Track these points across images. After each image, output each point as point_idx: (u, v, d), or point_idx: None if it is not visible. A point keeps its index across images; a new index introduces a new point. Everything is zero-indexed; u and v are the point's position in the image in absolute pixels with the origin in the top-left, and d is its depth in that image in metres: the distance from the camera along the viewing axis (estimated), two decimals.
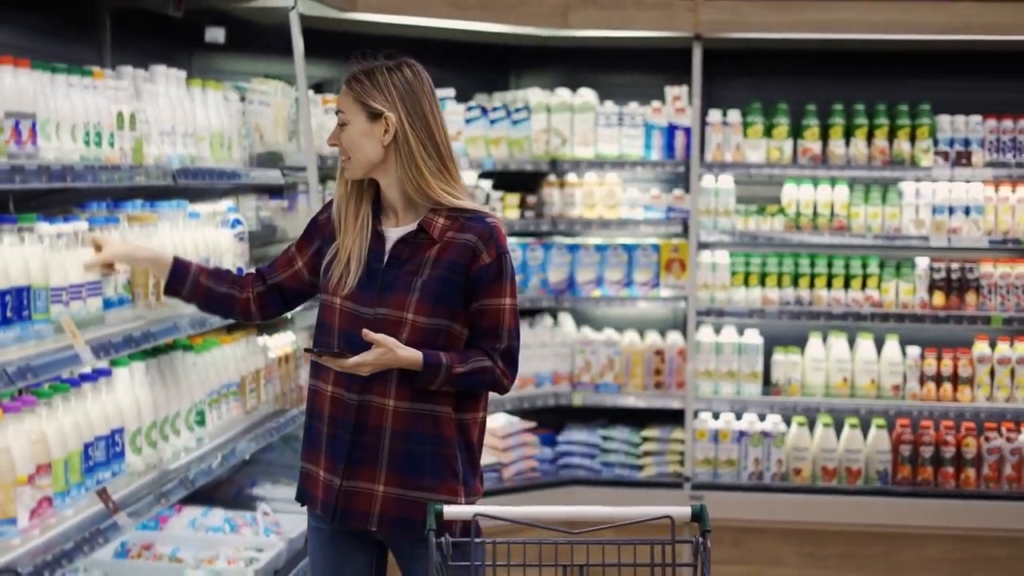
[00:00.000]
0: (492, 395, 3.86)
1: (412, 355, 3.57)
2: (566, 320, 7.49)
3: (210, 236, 4.72)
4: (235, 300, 3.90)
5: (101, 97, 3.92)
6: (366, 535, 3.78)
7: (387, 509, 3.66)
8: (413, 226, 3.71)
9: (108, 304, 3.92)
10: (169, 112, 4.45)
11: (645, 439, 7.19)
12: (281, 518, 5.32)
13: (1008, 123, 7.05)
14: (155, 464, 4.15)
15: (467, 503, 3.73)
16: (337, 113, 3.75)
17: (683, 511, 3.31)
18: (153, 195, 4.62)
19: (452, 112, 6.73)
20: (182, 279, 3.87)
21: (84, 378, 3.77)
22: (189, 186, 4.54)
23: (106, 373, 3.89)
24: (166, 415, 4.26)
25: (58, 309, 3.58)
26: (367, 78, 3.72)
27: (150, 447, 4.14)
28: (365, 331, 3.55)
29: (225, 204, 5.20)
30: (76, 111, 3.73)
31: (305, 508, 3.89)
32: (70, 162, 3.62)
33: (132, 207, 4.30)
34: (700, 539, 3.26)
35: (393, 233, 3.72)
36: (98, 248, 3.83)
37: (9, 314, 3.29)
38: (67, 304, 3.64)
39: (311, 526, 3.87)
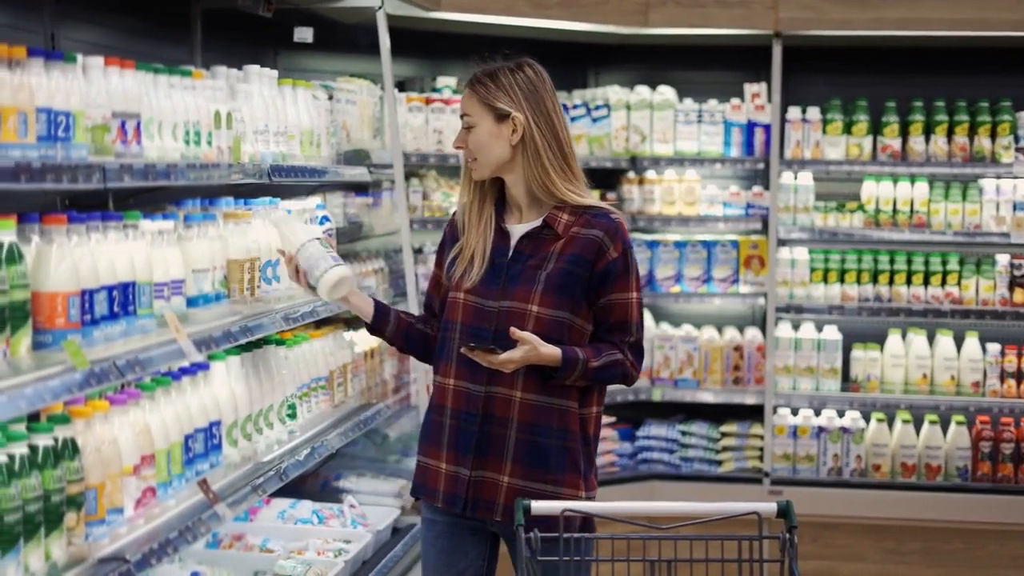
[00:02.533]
0: None
1: (552, 351, 3.66)
2: (646, 316, 7.53)
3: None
4: (428, 336, 4.01)
5: (200, 97, 4.00)
6: (482, 528, 3.85)
7: (511, 500, 3.72)
8: (537, 222, 3.81)
9: (206, 299, 4.01)
10: (262, 111, 4.53)
11: (724, 434, 7.22)
12: (367, 510, 5.40)
13: None
14: (250, 456, 4.23)
15: (586, 498, 3.81)
16: (462, 116, 3.86)
17: (769, 507, 3.35)
18: (244, 193, 4.72)
19: None
20: (385, 317, 3.98)
21: (183, 371, 3.85)
22: (280, 184, 4.63)
23: (204, 367, 3.98)
24: (260, 408, 4.35)
25: (160, 304, 3.67)
26: (491, 80, 3.81)
27: (245, 439, 4.23)
28: (513, 329, 3.64)
29: (313, 201, 5.27)
30: (177, 111, 3.81)
31: (405, 503, 3.99)
32: (172, 160, 3.71)
33: (225, 204, 4.39)
34: (786, 535, 3.30)
35: (517, 229, 3.82)
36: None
37: (116, 309, 3.38)
38: (168, 299, 3.73)
39: (427, 519, 3.94)
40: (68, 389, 2.97)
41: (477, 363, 3.73)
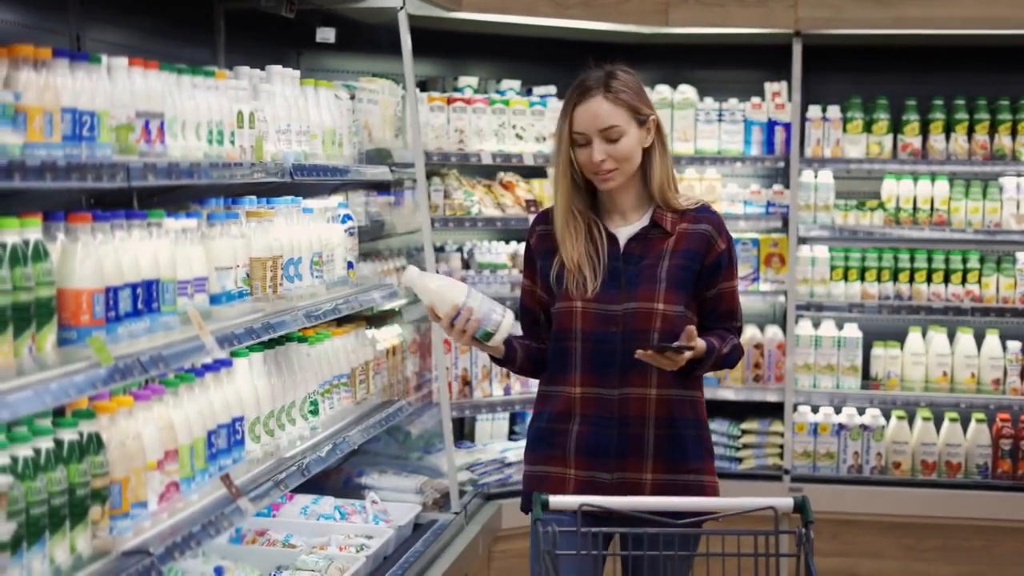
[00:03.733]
0: None
1: (701, 343, 3.71)
2: None
3: (323, 231, 4.85)
4: (543, 352, 3.97)
5: (223, 97, 4.05)
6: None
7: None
8: (643, 222, 3.85)
9: (229, 297, 4.05)
10: (285, 111, 4.58)
11: (744, 431, 7.24)
12: (389, 506, 5.44)
13: None
14: (272, 452, 4.28)
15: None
16: (608, 129, 3.76)
17: (786, 502, 3.39)
18: (266, 191, 4.76)
19: (554, 109, 6.80)
20: (513, 348, 3.92)
21: (207, 368, 3.90)
22: (302, 182, 4.68)
23: (227, 363, 4.02)
24: (282, 404, 4.40)
25: (183, 301, 3.72)
26: (625, 86, 3.82)
27: (268, 435, 4.27)
28: (689, 327, 3.65)
29: (335, 200, 5.32)
30: (200, 110, 3.86)
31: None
32: (195, 159, 3.76)
33: (248, 203, 4.44)
34: (803, 530, 3.33)
35: (623, 232, 3.85)
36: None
37: (140, 306, 3.43)
38: (191, 296, 3.77)
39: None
40: (93, 385, 3.02)
41: (608, 367, 3.77)
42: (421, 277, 3.79)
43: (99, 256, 3.25)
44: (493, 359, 3.99)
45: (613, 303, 3.77)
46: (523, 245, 6.73)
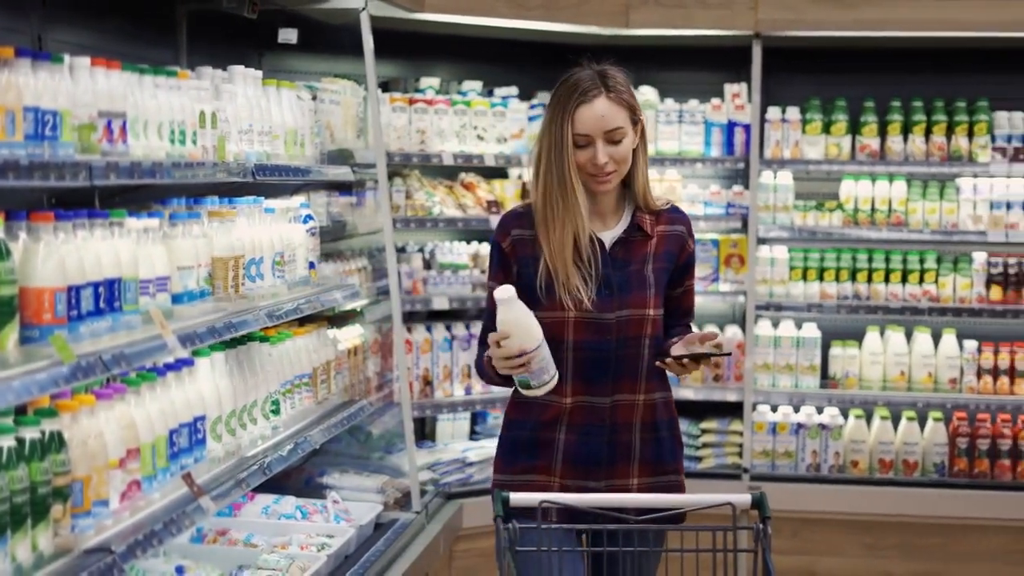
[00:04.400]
0: None
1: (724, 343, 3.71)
2: None
3: (284, 231, 4.87)
4: None
5: (185, 97, 4.06)
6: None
7: None
8: (623, 225, 3.80)
9: (191, 296, 4.06)
10: (247, 111, 4.59)
11: (704, 431, 7.29)
12: (350, 506, 5.46)
13: None
14: (234, 451, 4.29)
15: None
16: (612, 131, 3.68)
17: (743, 499, 3.42)
18: (227, 191, 4.78)
19: (515, 110, 6.85)
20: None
21: (168, 367, 3.91)
22: (264, 182, 4.69)
23: (189, 363, 4.03)
24: (244, 404, 4.41)
25: (145, 300, 3.73)
26: (623, 85, 3.75)
27: (229, 434, 4.28)
28: (717, 337, 3.63)
29: (297, 200, 5.34)
30: (162, 110, 3.87)
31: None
32: (157, 159, 3.77)
33: (210, 203, 4.46)
34: (760, 526, 3.37)
35: (607, 236, 3.78)
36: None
37: (102, 305, 3.44)
38: (153, 296, 3.78)
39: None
40: (55, 383, 3.03)
41: (601, 375, 3.73)
42: (511, 303, 3.63)
43: (61, 255, 3.26)
44: (481, 374, 3.90)
45: (606, 311, 3.72)
46: (485, 246, 6.80)
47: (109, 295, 3.48)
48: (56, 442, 3.17)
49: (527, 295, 3.69)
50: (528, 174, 7.07)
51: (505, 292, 3.62)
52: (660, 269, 3.79)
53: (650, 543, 3.59)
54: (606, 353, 3.72)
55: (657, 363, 3.74)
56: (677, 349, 3.72)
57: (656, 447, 3.82)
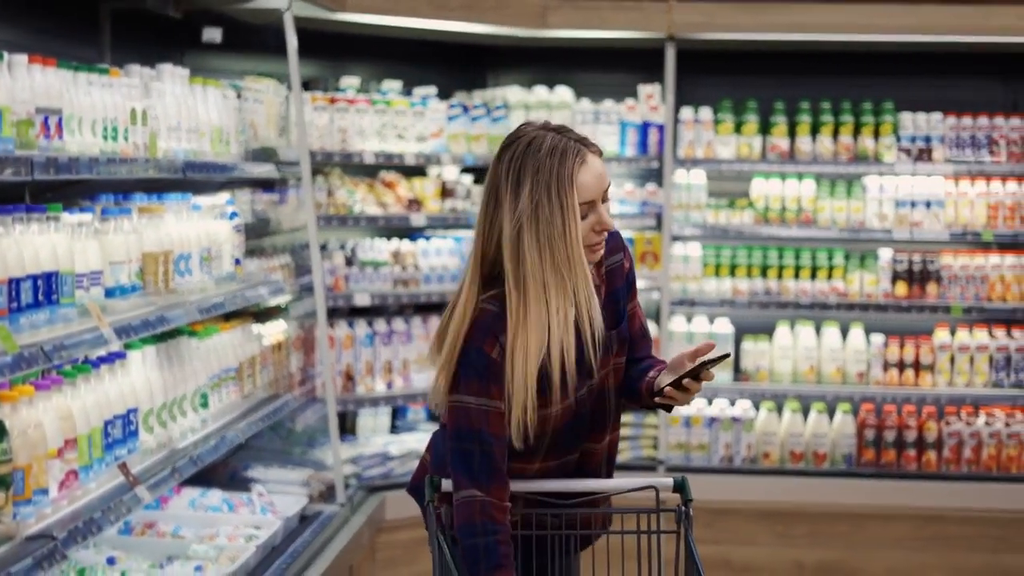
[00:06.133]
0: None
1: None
2: None
3: (211, 228, 4.94)
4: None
5: (117, 94, 4.13)
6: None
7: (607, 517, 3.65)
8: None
9: (123, 291, 4.13)
10: (175, 109, 4.66)
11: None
12: (275, 499, 5.54)
13: (967, 120, 7.32)
14: (165, 443, 4.37)
15: None
16: (606, 191, 3.36)
17: (666, 482, 3.55)
18: (154, 188, 4.84)
19: (435, 110, 6.94)
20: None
21: (102, 360, 3.98)
22: (190, 179, 4.76)
23: (121, 356, 4.11)
24: (174, 397, 4.48)
25: (80, 294, 3.80)
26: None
27: (161, 427, 4.36)
28: (708, 343, 3.34)
29: (222, 197, 5.41)
30: (96, 107, 3.94)
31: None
32: (92, 155, 3.84)
33: (138, 199, 4.52)
34: (683, 508, 3.51)
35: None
36: None
37: (40, 297, 3.51)
38: (87, 289, 3.85)
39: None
40: (0, 372, 3.09)
41: (574, 442, 3.49)
42: None
43: (2, 249, 3.32)
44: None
45: (582, 388, 3.42)
46: (406, 242, 6.89)
47: (47, 288, 3.55)
48: None
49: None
50: (448, 173, 7.22)
51: None
52: (615, 312, 3.47)
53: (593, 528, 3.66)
54: (580, 424, 3.47)
55: (656, 400, 3.45)
56: (666, 377, 3.40)
57: (609, 462, 3.66)
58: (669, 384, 3.35)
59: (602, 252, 3.39)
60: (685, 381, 3.34)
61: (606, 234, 3.36)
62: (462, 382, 3.31)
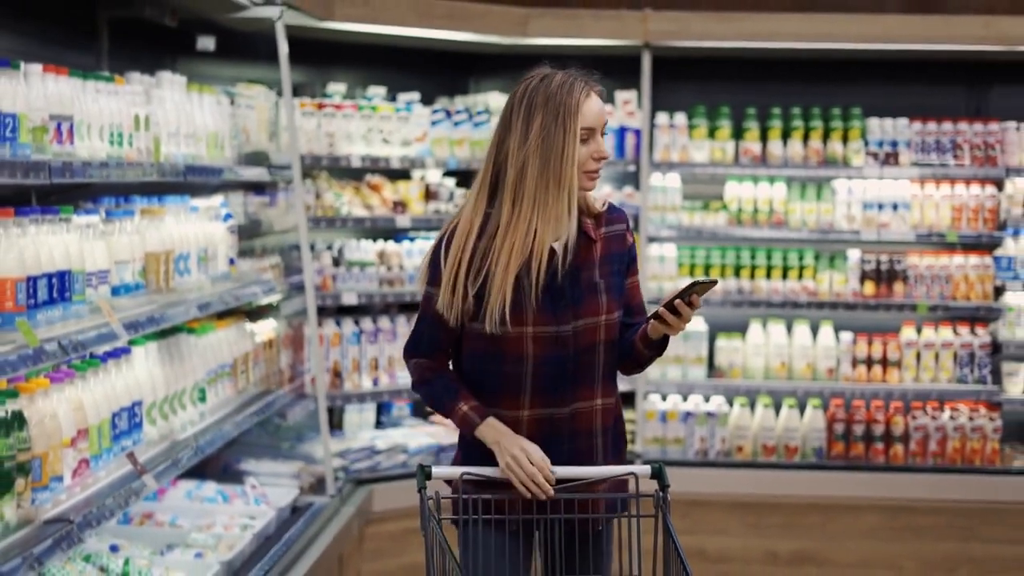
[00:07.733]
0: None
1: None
2: None
3: (207, 228, 5.14)
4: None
5: (121, 101, 4.32)
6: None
7: (610, 503, 3.81)
8: (572, 232, 3.64)
9: (127, 289, 4.33)
10: (174, 114, 4.85)
11: None
12: (268, 491, 5.72)
13: (932, 125, 7.51)
14: (167, 435, 4.56)
15: None
16: (604, 125, 3.67)
17: (644, 469, 3.74)
18: (152, 190, 5.03)
19: (418, 115, 7.11)
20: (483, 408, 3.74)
21: (108, 355, 4.18)
22: (188, 183, 4.95)
23: (127, 351, 4.31)
24: (175, 391, 4.68)
25: (90, 292, 4.00)
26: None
27: (163, 419, 4.56)
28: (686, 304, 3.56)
29: (217, 199, 5.60)
30: (103, 114, 4.14)
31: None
32: (101, 159, 4.04)
33: (138, 201, 4.72)
34: (660, 493, 3.71)
35: (557, 244, 3.66)
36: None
37: (55, 295, 3.71)
38: (96, 287, 4.06)
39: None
40: (24, 363, 3.30)
41: (560, 387, 3.67)
42: None
43: (21, 248, 3.52)
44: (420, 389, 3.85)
45: (563, 324, 3.65)
46: (391, 243, 7.09)
47: (60, 286, 3.75)
48: (19, 421, 3.43)
49: (475, 307, 3.64)
50: (431, 177, 7.41)
51: None
52: (610, 272, 3.72)
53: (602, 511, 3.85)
54: (565, 365, 3.67)
55: (650, 335, 3.69)
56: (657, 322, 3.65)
57: (616, 448, 3.85)
58: (662, 307, 3.60)
59: (597, 182, 3.69)
60: (676, 302, 3.59)
61: (603, 163, 3.66)
62: (429, 273, 3.73)
